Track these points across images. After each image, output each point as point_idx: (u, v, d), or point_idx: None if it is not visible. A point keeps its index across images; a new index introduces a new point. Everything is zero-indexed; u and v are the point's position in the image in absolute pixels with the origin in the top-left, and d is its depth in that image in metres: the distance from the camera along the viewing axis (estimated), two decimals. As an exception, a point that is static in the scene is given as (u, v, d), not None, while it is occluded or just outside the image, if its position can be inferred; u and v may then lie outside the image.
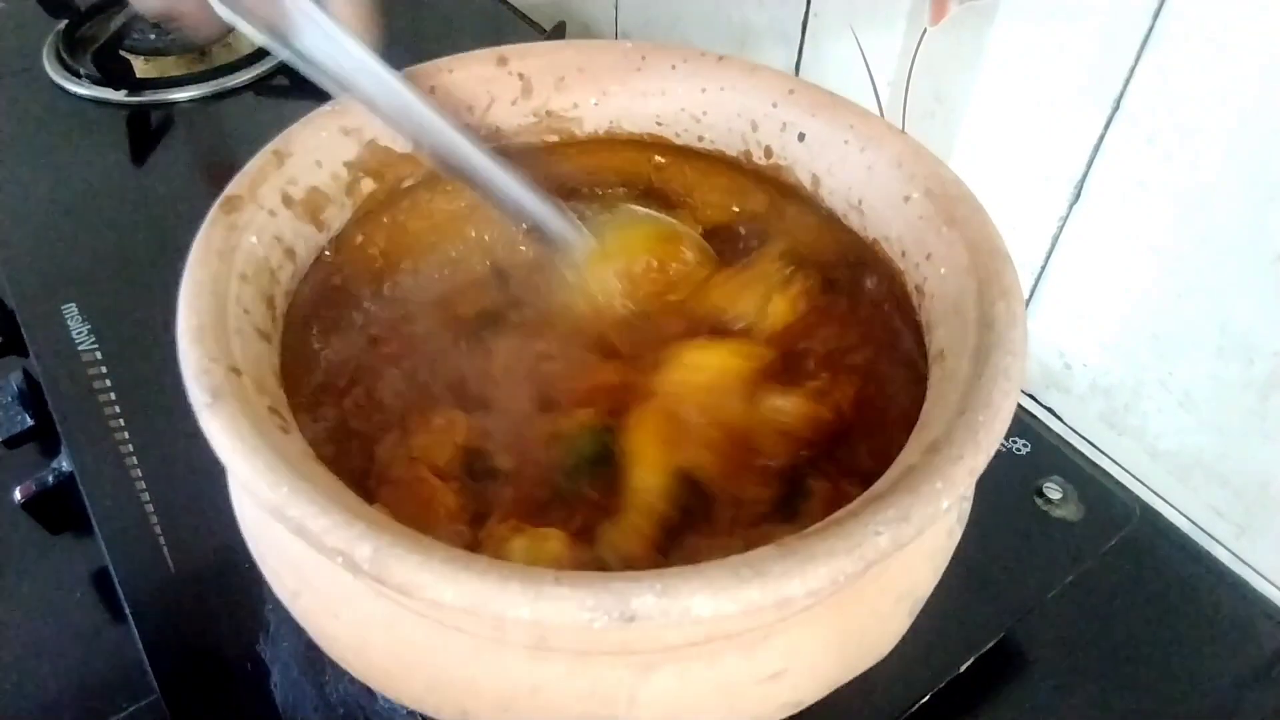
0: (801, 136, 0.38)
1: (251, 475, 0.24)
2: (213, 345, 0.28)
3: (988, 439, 0.26)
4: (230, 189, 0.33)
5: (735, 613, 0.22)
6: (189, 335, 0.28)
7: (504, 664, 0.26)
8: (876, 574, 0.27)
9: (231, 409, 0.26)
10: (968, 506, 0.33)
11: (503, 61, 0.40)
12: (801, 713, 0.29)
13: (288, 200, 0.34)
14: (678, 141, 0.42)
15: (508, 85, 0.40)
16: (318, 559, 0.27)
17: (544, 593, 0.22)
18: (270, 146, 0.35)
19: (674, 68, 0.40)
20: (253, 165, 0.34)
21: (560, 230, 0.38)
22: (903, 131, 0.36)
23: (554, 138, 0.42)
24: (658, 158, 0.43)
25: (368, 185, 0.38)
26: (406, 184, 0.39)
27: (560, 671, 0.26)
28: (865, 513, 0.24)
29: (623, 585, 0.22)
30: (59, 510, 0.47)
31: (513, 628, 0.25)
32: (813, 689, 0.29)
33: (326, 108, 0.37)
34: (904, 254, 0.35)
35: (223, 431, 0.25)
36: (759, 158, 0.40)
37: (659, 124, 0.41)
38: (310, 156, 0.35)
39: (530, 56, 0.40)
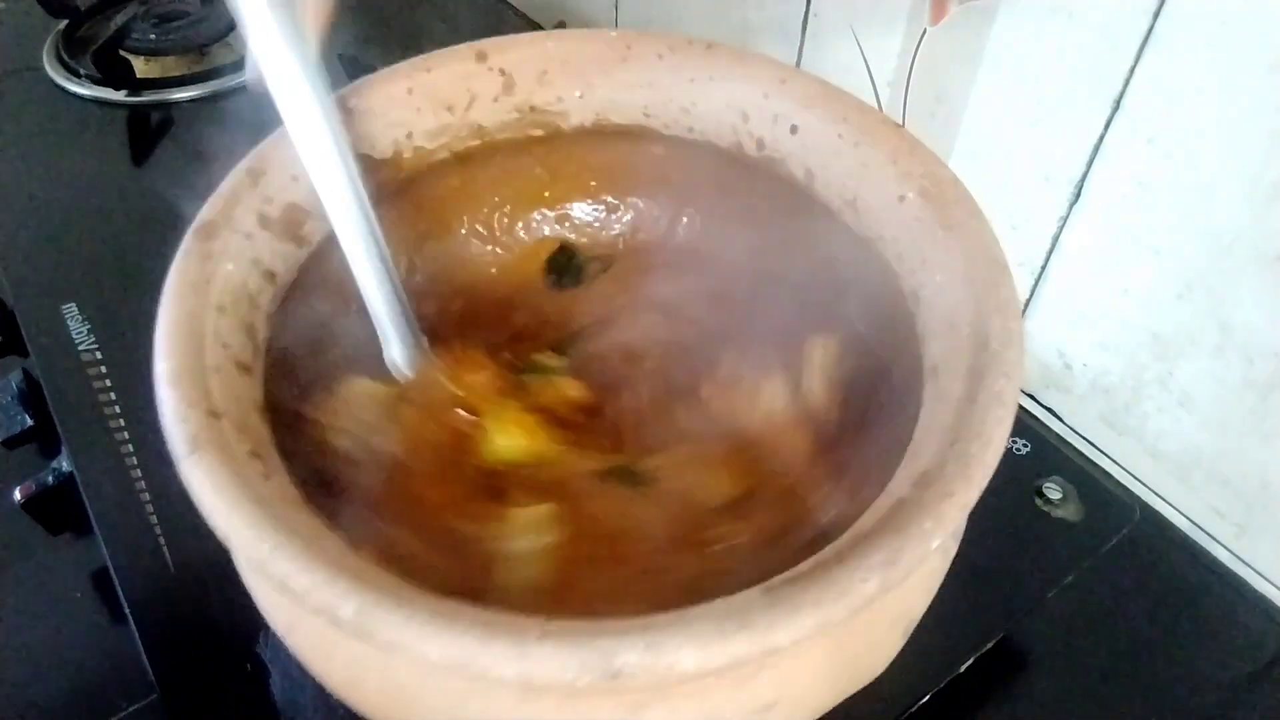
0: (794, 129, 0.37)
1: (232, 531, 0.24)
2: (190, 389, 0.27)
3: (980, 473, 0.25)
4: (204, 214, 0.32)
5: (721, 666, 0.22)
6: (165, 379, 0.27)
7: (495, 706, 0.26)
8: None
9: (210, 460, 0.25)
10: (962, 525, 0.33)
11: (482, 57, 0.39)
12: (801, 714, 0.29)
13: (264, 220, 0.33)
14: (666, 133, 0.40)
15: (488, 81, 0.39)
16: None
17: (528, 652, 0.22)
18: (243, 165, 0.34)
19: (660, 57, 0.39)
20: (226, 187, 0.33)
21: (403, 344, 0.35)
22: (899, 126, 0.35)
23: (539, 132, 0.41)
24: (653, 148, 0.42)
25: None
26: (388, 191, 0.38)
27: (550, 712, 0.25)
28: (852, 557, 0.23)
29: (608, 642, 0.22)
30: (59, 510, 0.47)
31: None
32: (804, 716, 0.28)
33: None
34: (899, 256, 0.33)
35: (202, 485, 0.25)
36: (750, 150, 0.38)
37: (647, 115, 0.40)
38: (285, 172, 0.34)
39: (511, 50, 0.39)
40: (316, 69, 0.31)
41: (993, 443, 0.26)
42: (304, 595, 0.23)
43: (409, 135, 0.38)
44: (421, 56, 0.38)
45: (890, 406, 0.34)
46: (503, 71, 0.39)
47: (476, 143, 0.40)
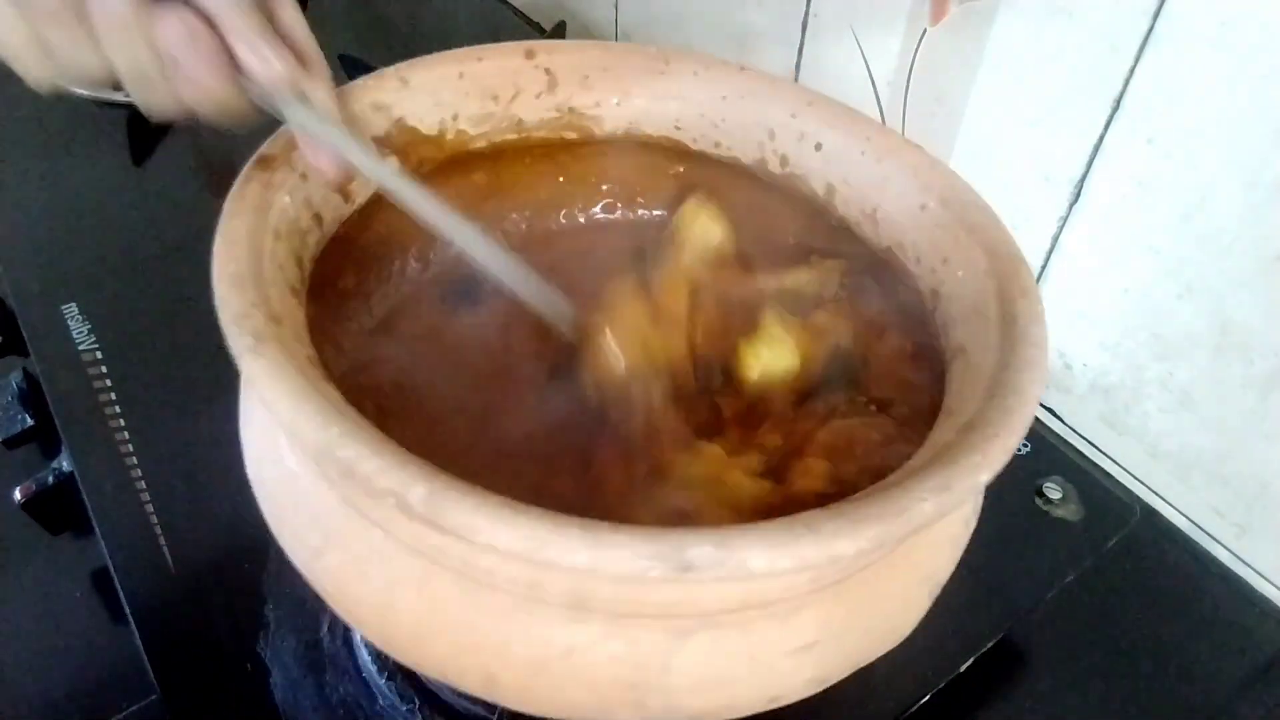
0: (819, 147, 0.39)
1: (299, 417, 0.24)
2: (252, 292, 0.27)
3: (1020, 420, 0.27)
4: (265, 149, 0.33)
5: (789, 568, 0.23)
6: (227, 281, 0.27)
7: (539, 624, 0.26)
8: (904, 553, 0.29)
9: (275, 351, 0.25)
10: (980, 502, 0.33)
11: (530, 55, 0.41)
12: (803, 712, 0.29)
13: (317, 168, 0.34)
14: (694, 146, 0.42)
15: (534, 78, 0.41)
16: (347, 515, 0.27)
17: (601, 540, 0.22)
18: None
19: (696, 74, 0.41)
20: (284, 130, 0.34)
21: (554, 311, 0.36)
22: (918, 145, 0.37)
23: (573, 135, 0.42)
24: (675, 166, 0.44)
25: (391, 162, 0.38)
26: (426, 168, 0.40)
27: (595, 634, 0.26)
28: (910, 481, 0.25)
29: (680, 536, 0.22)
30: (59, 510, 0.47)
31: (558, 582, 0.25)
32: (838, 665, 0.29)
33: (360, 81, 0.37)
34: (918, 259, 0.36)
35: (267, 375, 0.25)
36: (774, 166, 0.41)
37: (677, 128, 0.42)
38: None
39: (557, 53, 0.41)
40: (368, 151, 0.33)
41: (1029, 398, 0.27)
42: (373, 477, 0.23)
43: (455, 117, 0.40)
44: (474, 47, 0.40)
45: (915, 382, 0.36)
46: (548, 71, 0.41)
47: (514, 136, 0.42)
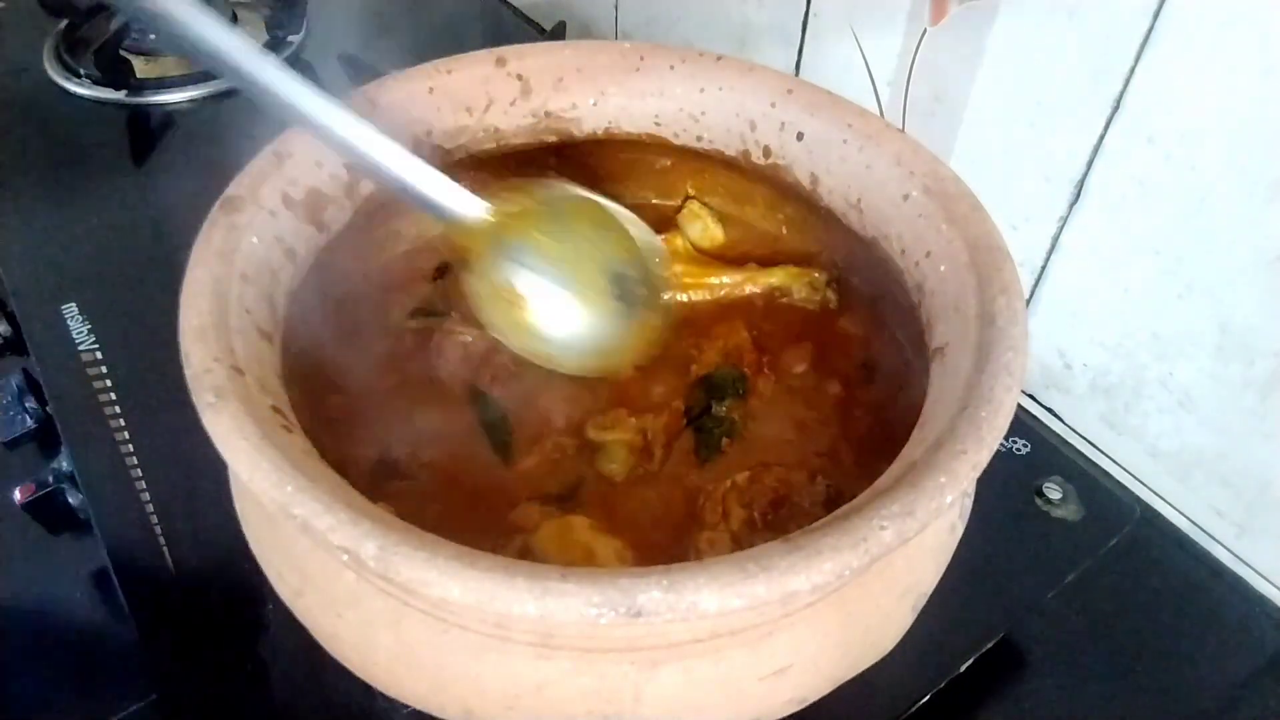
0: (800, 136, 0.38)
1: (255, 474, 0.24)
2: (215, 345, 0.28)
3: (990, 434, 0.26)
4: (230, 190, 0.33)
5: (741, 607, 0.22)
6: (191, 335, 0.28)
7: (509, 661, 0.26)
8: (880, 570, 0.28)
9: (234, 408, 0.26)
10: (969, 503, 0.33)
11: (501, 62, 0.40)
12: (802, 712, 0.29)
13: (288, 201, 0.34)
14: (676, 142, 0.42)
15: (506, 86, 0.40)
16: (322, 558, 0.27)
17: (550, 589, 0.22)
18: (270, 147, 0.34)
19: (672, 68, 0.40)
20: (253, 166, 0.34)
21: (450, 202, 0.34)
22: (901, 130, 0.36)
23: (553, 138, 0.42)
24: (659, 160, 0.43)
25: (367, 186, 0.37)
26: None
27: (565, 669, 0.26)
28: (869, 508, 0.24)
29: (629, 581, 0.22)
30: (59, 510, 0.47)
31: (518, 624, 0.25)
32: (816, 685, 0.29)
33: None
34: (903, 252, 0.35)
35: (226, 431, 0.25)
36: (758, 157, 0.40)
37: (658, 124, 0.41)
38: (310, 157, 0.35)
39: (529, 57, 0.40)
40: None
41: (1002, 408, 0.26)
42: (326, 534, 0.23)
43: (429, 133, 0.39)
44: (443, 59, 0.39)
45: (895, 386, 0.36)
46: (520, 77, 0.40)
47: (492, 145, 0.41)
